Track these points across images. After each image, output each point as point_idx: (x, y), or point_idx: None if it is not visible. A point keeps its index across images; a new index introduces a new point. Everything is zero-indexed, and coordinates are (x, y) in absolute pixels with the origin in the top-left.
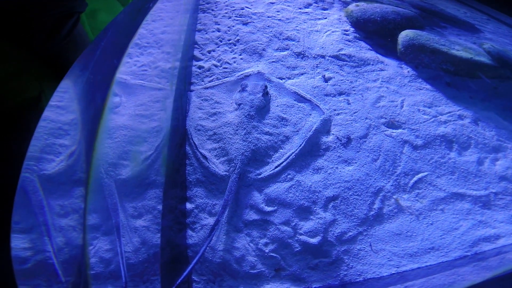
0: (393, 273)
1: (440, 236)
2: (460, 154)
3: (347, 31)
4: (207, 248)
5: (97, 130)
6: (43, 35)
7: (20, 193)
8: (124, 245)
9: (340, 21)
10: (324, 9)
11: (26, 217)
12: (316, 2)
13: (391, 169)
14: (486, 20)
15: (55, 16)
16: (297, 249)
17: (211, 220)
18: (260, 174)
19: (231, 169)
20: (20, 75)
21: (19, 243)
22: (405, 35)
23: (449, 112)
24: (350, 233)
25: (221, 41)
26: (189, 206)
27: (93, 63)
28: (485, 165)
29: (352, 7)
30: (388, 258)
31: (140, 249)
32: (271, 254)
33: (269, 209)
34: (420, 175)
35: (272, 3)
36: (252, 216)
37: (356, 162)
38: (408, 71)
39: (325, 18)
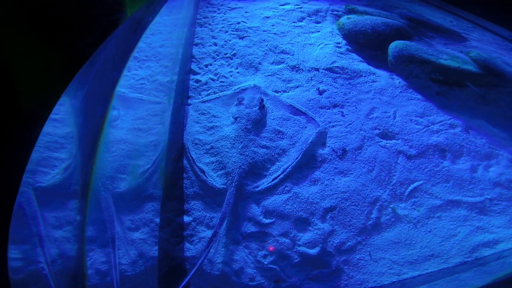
0: (394, 281)
1: (439, 243)
2: (454, 162)
3: (339, 44)
4: (205, 260)
5: (97, 143)
6: (89, 41)
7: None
8: (120, 257)
9: (332, 34)
10: (317, 22)
11: (19, 228)
12: (309, 16)
13: (386, 179)
14: (472, 28)
15: (103, 25)
16: (296, 260)
17: (209, 233)
18: (257, 187)
19: (228, 182)
20: (53, 77)
21: (10, 254)
22: (394, 46)
23: (441, 122)
24: (349, 243)
25: (218, 55)
26: (186, 219)
27: (92, 76)
28: (479, 172)
29: (343, 20)
30: (389, 267)
31: (137, 262)
32: (270, 266)
33: (267, 221)
34: (415, 184)
35: (268, 17)
36: (250, 228)
37: (352, 173)
38: (399, 82)
39: (318, 32)
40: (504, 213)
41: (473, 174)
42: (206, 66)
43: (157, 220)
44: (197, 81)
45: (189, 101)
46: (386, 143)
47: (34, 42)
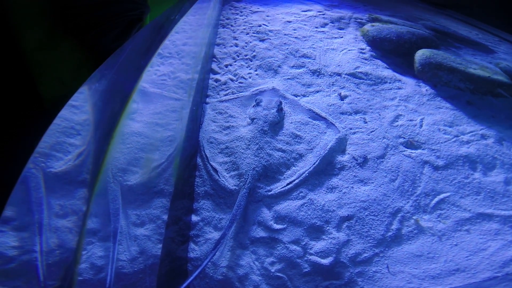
0: None
1: (466, 257)
2: (485, 174)
3: (363, 50)
4: (209, 263)
5: (113, 133)
6: (114, 35)
7: (21, 188)
8: (119, 252)
9: (356, 40)
10: (340, 28)
11: (22, 214)
12: (332, 22)
13: (410, 189)
14: (498, 41)
15: (127, 20)
16: (306, 270)
17: (216, 235)
18: (270, 191)
19: (241, 183)
20: (76, 71)
21: (8, 241)
22: (421, 53)
23: (471, 132)
24: (365, 254)
25: (238, 56)
26: (194, 218)
27: (116, 66)
28: None
29: (367, 26)
30: (408, 280)
31: (137, 259)
32: (277, 274)
33: (278, 226)
34: (442, 196)
35: (289, 21)
36: (259, 233)
37: (373, 182)
38: (427, 90)
39: (341, 37)
40: None
41: (507, 187)
42: (226, 66)
43: (165, 217)
44: (217, 80)
45: (207, 99)
46: (411, 152)
47: (61, 39)
